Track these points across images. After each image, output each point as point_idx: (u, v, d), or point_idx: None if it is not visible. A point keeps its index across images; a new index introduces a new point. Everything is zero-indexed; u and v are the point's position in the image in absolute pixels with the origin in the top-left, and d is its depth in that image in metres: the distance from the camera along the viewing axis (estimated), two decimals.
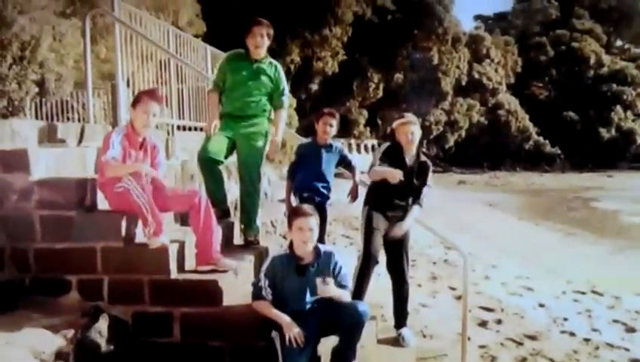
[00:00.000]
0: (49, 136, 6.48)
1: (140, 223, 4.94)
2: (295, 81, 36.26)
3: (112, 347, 4.59)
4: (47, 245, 4.93)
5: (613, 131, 63.79)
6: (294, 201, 6.03)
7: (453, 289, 9.72)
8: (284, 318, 4.39)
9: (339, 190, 6.34)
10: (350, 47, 43.11)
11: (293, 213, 4.65)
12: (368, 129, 50.71)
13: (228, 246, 5.84)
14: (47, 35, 10.14)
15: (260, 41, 6.04)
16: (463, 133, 57.20)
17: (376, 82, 47.92)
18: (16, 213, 4.93)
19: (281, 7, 32.81)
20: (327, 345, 4.62)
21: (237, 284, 5.14)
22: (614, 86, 65.36)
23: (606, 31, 74.54)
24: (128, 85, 8.50)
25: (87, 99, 8.05)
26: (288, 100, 6.43)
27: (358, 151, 48.43)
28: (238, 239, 6.44)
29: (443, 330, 7.36)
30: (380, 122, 52.35)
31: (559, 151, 61.93)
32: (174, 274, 4.91)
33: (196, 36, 12.80)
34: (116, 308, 4.86)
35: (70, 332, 4.37)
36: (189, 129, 9.98)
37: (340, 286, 4.61)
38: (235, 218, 6.58)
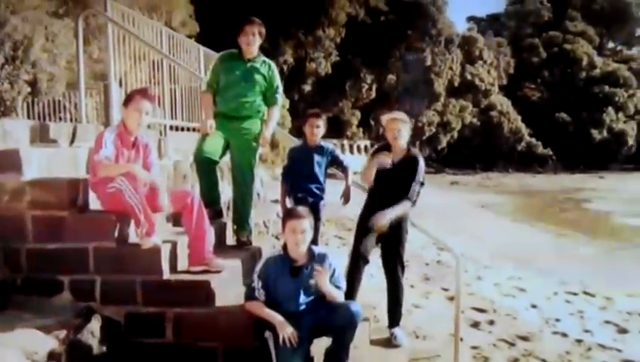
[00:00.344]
0: (41, 136, 6.46)
1: (132, 223, 4.93)
2: (288, 81, 36.17)
3: (104, 347, 4.58)
4: (39, 245, 4.93)
5: (605, 133, 64.03)
6: (289, 203, 6.05)
7: (445, 290, 9.72)
8: (277, 318, 4.39)
9: (332, 191, 6.34)
10: (343, 48, 43.12)
11: (287, 215, 4.66)
12: (361, 130, 50.72)
13: (220, 247, 5.83)
14: (39, 35, 10.12)
15: (252, 39, 6.06)
16: (456, 135, 57.27)
17: (369, 83, 47.95)
18: (8, 213, 4.91)
19: (274, 8, 32.79)
20: (320, 345, 4.62)
21: (229, 285, 5.14)
22: (606, 88, 65.60)
23: (598, 33, 74.80)
24: (121, 85, 8.49)
25: (79, 100, 8.04)
26: (282, 98, 6.42)
27: (351, 152, 48.45)
28: (230, 239, 6.44)
29: (436, 331, 7.35)
30: (372, 123, 52.33)
31: (551, 153, 62.11)
32: (167, 275, 4.90)
33: (189, 37, 12.78)
34: (108, 308, 4.85)
35: (62, 333, 4.36)
36: (182, 129, 9.96)
37: (335, 287, 4.62)
38: (228, 218, 6.58)
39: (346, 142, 47.14)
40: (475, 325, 8.10)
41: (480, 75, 58.73)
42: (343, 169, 6.35)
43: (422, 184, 5.80)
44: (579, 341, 7.85)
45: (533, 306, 9.46)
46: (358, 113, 48.67)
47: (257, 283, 4.52)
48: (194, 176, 6.76)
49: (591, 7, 75.66)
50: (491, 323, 8.28)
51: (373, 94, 48.88)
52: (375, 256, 5.98)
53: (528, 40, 70.20)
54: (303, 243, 4.50)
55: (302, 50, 39.52)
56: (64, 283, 4.92)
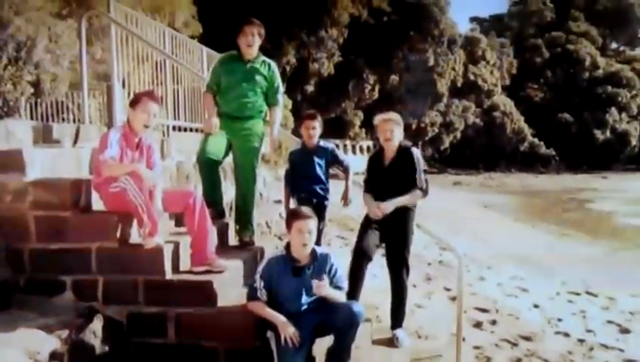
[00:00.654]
0: (44, 137, 6.48)
1: (134, 224, 4.95)
2: (291, 82, 36.24)
3: (106, 347, 4.59)
4: (42, 245, 4.93)
5: (607, 133, 63.97)
6: (293, 205, 6.05)
7: (448, 290, 9.72)
8: (279, 318, 4.40)
9: (334, 191, 6.34)
10: (346, 49, 43.14)
11: (293, 215, 4.65)
12: (364, 130, 50.71)
13: (223, 247, 5.83)
14: (42, 35, 10.15)
15: (252, 40, 6.06)
16: (459, 135, 57.26)
17: (371, 84, 47.94)
18: (11, 214, 4.92)
19: (277, 9, 32.80)
20: (322, 345, 4.63)
21: (232, 285, 5.15)
22: (609, 88, 65.54)
23: (601, 33, 74.74)
24: (124, 86, 8.50)
25: (82, 100, 8.03)
26: (283, 98, 6.44)
27: (354, 152, 48.48)
28: (233, 240, 6.44)
29: (438, 331, 7.35)
30: (375, 124, 52.32)
31: (554, 153, 62.06)
32: (169, 275, 4.91)
33: (192, 37, 12.78)
34: (111, 308, 4.86)
35: (65, 333, 4.37)
36: (185, 130, 9.97)
37: (336, 287, 4.62)
38: (230, 219, 6.59)
39: (348, 142, 47.17)
40: (478, 325, 8.09)
41: (483, 75, 58.72)
42: (344, 169, 6.35)
43: (425, 171, 5.79)
44: (581, 341, 7.84)
45: (536, 306, 9.46)
46: (360, 114, 48.64)
47: (259, 283, 4.52)
48: (197, 176, 6.77)
49: (594, 7, 75.58)
50: (494, 323, 8.27)
51: (376, 95, 48.86)
52: (378, 256, 6.00)
53: (531, 40, 70.16)
54: (309, 243, 4.51)
55: (304, 51, 39.53)
56: (66, 283, 4.93)
